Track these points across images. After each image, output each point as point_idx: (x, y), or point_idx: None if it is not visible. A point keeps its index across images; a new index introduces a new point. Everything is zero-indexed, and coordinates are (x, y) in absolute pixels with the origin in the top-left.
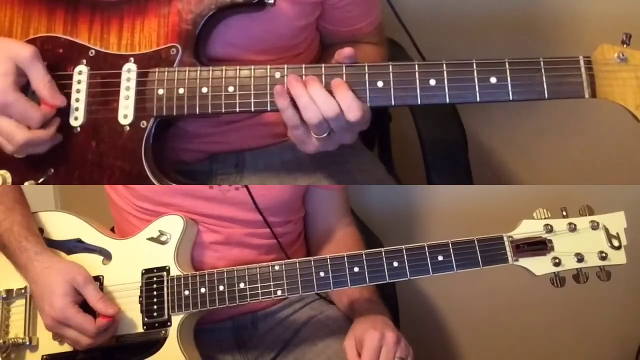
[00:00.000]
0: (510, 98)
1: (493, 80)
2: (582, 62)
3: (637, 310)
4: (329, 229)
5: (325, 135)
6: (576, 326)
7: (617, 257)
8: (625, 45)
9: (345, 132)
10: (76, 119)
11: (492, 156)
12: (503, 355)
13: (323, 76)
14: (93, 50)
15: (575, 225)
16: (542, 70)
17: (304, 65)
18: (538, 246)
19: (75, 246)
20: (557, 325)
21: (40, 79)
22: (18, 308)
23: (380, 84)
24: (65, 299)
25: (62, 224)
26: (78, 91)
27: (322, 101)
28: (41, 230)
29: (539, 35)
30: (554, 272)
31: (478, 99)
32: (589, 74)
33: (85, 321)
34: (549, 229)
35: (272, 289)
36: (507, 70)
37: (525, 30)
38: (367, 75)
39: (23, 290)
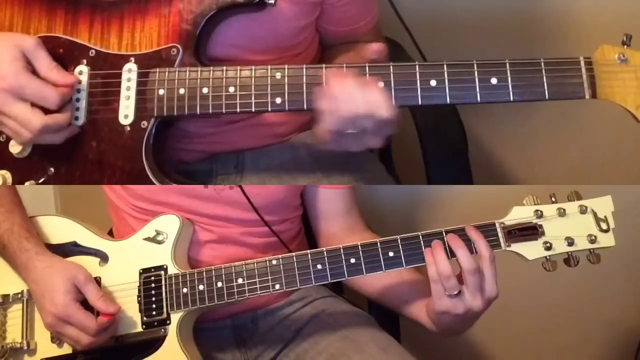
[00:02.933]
0: (511, 99)
1: (494, 80)
2: (582, 63)
3: (637, 309)
4: (342, 229)
5: (354, 132)
6: (576, 325)
7: (606, 240)
8: (625, 46)
9: (373, 133)
10: (77, 118)
11: (492, 156)
12: (503, 353)
13: (324, 76)
14: (93, 50)
15: (564, 210)
16: (543, 70)
17: (304, 66)
18: (529, 231)
19: (71, 249)
20: (556, 323)
21: (46, 65)
22: (15, 313)
23: (381, 84)
24: (67, 295)
25: (57, 228)
26: (78, 91)
27: (357, 96)
28: (37, 233)
29: (540, 36)
30: (546, 257)
31: (479, 100)
32: (589, 74)
33: (87, 318)
34: (539, 214)
35: (270, 283)
36: (508, 71)
37: (526, 31)
38: (367, 76)
39: (20, 295)
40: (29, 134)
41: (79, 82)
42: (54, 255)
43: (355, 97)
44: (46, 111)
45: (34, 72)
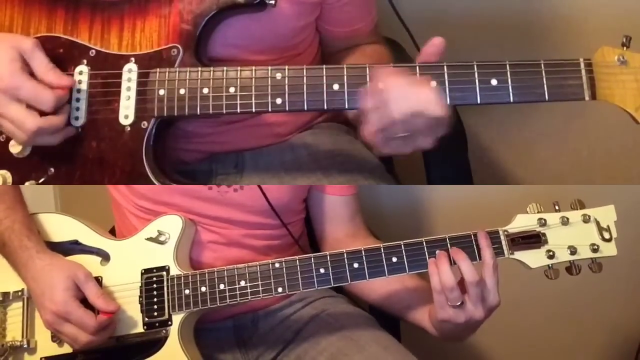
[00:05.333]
0: (511, 100)
1: (494, 82)
2: (582, 65)
3: (637, 310)
4: (346, 235)
5: (405, 134)
6: (576, 326)
7: (608, 249)
8: (625, 48)
9: (425, 134)
10: (77, 119)
11: (492, 156)
12: (502, 354)
13: (324, 77)
14: (94, 50)
15: (567, 218)
16: (543, 72)
17: (305, 67)
18: (532, 239)
19: (71, 248)
20: (557, 325)
21: (43, 66)
22: (15, 311)
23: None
24: (66, 292)
25: (58, 226)
26: (79, 91)
27: (409, 94)
28: (38, 232)
29: (540, 37)
30: (548, 265)
31: (479, 101)
32: (589, 76)
33: (86, 316)
34: (543, 222)
35: (272, 287)
36: (508, 72)
37: (526, 32)
38: (368, 77)
39: (20, 293)
40: (23, 136)
41: (79, 82)
42: (55, 254)
43: (407, 96)
44: (42, 113)
45: (31, 73)
